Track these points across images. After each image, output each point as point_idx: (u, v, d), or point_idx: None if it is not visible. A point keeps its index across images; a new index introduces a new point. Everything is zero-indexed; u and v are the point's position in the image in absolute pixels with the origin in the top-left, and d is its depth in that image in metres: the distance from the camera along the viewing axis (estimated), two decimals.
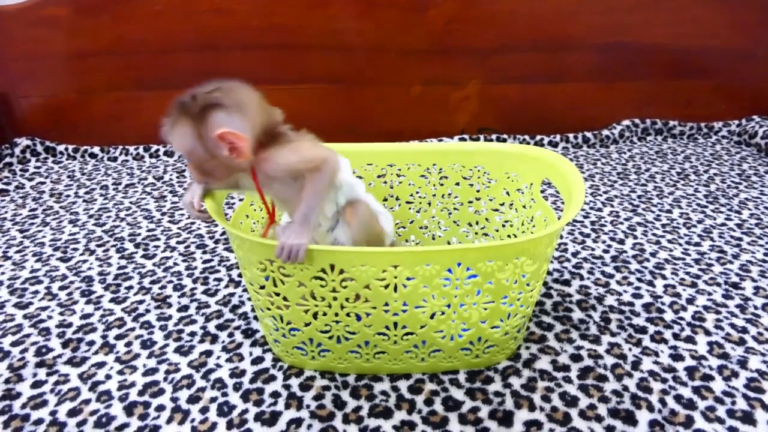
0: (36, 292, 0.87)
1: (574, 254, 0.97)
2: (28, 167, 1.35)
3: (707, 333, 0.77)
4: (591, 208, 1.14)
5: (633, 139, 1.53)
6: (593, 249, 0.98)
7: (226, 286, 0.88)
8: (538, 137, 1.50)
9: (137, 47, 1.37)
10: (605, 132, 1.51)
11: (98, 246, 1.01)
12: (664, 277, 0.89)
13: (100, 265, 0.94)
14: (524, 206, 0.85)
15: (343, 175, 0.71)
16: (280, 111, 0.66)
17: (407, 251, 0.61)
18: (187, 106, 0.59)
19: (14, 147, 1.38)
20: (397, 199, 0.92)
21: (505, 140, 1.50)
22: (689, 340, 0.76)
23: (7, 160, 1.36)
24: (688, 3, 1.44)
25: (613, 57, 1.48)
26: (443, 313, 0.65)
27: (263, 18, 1.37)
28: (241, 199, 1.13)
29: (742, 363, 0.71)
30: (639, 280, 0.89)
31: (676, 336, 0.76)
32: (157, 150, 1.43)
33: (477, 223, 0.93)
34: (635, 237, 1.02)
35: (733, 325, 0.78)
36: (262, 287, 0.66)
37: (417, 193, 0.91)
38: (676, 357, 0.73)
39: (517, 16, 1.42)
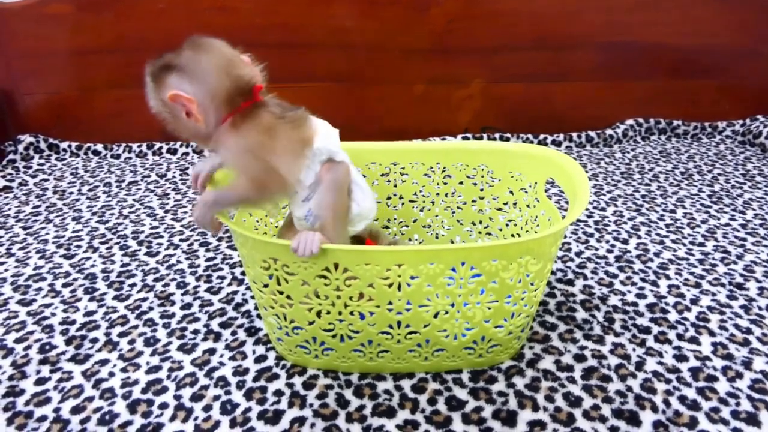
0: (39, 289, 0.87)
1: (578, 254, 0.96)
2: (31, 164, 1.36)
3: (711, 333, 0.77)
4: (595, 208, 1.13)
5: (637, 138, 1.52)
6: (597, 249, 0.98)
7: (230, 284, 0.88)
8: (542, 136, 1.50)
9: (140, 45, 1.37)
10: (609, 131, 1.51)
11: (101, 243, 1.01)
12: (668, 278, 0.89)
13: (104, 263, 0.94)
14: (528, 205, 0.85)
15: (323, 142, 0.66)
16: (257, 74, 0.62)
17: (411, 250, 0.61)
18: (152, 67, 0.60)
19: (18, 144, 1.38)
20: (401, 197, 0.91)
21: (508, 139, 1.49)
22: (693, 340, 0.75)
23: (11, 157, 1.36)
24: (692, 2, 1.44)
25: (617, 56, 1.47)
26: (447, 312, 0.65)
27: (266, 16, 1.36)
28: None
29: (747, 364, 0.71)
30: (643, 280, 0.89)
31: (680, 336, 0.76)
32: (161, 147, 1.43)
33: (480, 222, 0.93)
34: (639, 237, 1.02)
35: (737, 326, 0.78)
36: (266, 285, 0.66)
37: (421, 191, 0.91)
38: (680, 357, 0.72)
39: (520, 14, 1.41)
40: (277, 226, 0.89)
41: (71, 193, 1.22)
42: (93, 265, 0.94)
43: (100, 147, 1.43)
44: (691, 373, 0.70)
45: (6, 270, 0.92)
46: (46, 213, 1.13)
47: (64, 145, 1.42)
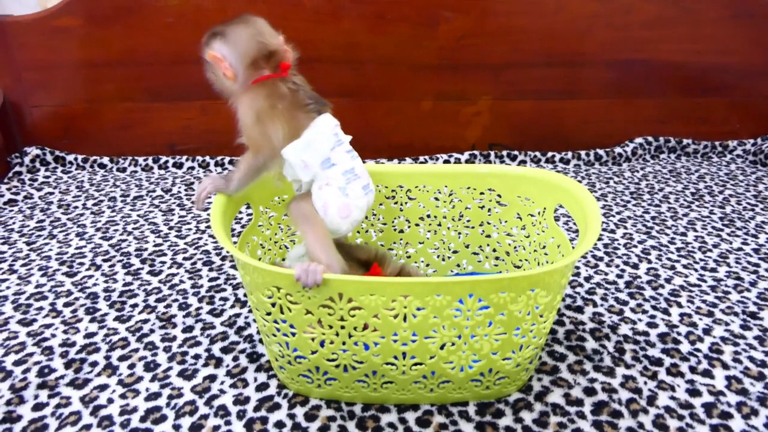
0: (40, 308, 0.86)
1: (587, 279, 0.95)
2: (37, 177, 1.35)
3: (725, 366, 0.75)
4: (604, 230, 1.12)
5: (646, 157, 1.51)
6: (606, 274, 0.96)
7: (232, 306, 0.87)
8: (550, 154, 1.48)
9: (148, 58, 1.37)
10: (618, 149, 1.49)
11: (104, 261, 1.00)
12: (679, 305, 0.87)
13: (106, 281, 0.93)
14: (537, 231, 0.84)
15: (295, 153, 0.69)
16: (285, 50, 0.73)
17: (418, 282, 0.60)
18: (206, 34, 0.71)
19: (24, 156, 1.38)
20: (408, 220, 0.90)
21: (515, 156, 1.48)
22: (706, 374, 0.73)
23: (17, 169, 1.36)
24: (704, 20, 1.42)
25: (627, 74, 1.46)
26: (453, 344, 0.63)
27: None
28: (249, 220, 1.12)
29: (762, 400, 0.69)
30: (654, 308, 0.87)
31: (692, 369, 0.74)
32: (166, 161, 1.42)
33: (488, 245, 0.92)
34: (650, 261, 1.00)
35: (751, 359, 0.76)
36: (269, 314, 0.65)
37: (428, 215, 0.90)
38: (693, 392, 0.70)
39: (530, 31, 1.40)
40: (282, 248, 0.88)
41: (76, 207, 1.21)
42: (95, 284, 0.93)
43: (106, 160, 1.42)
44: (704, 410, 0.68)
45: (8, 288, 0.92)
46: (50, 228, 1.12)
47: (70, 157, 1.41)
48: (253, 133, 0.69)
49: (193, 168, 1.42)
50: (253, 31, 0.70)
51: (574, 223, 1.15)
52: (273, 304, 0.63)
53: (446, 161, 1.45)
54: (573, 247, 0.73)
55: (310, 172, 0.70)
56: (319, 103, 0.73)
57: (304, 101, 0.71)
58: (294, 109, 0.70)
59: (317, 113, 0.72)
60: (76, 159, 1.42)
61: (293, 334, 0.65)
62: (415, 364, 0.65)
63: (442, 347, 0.64)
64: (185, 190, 1.30)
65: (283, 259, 0.86)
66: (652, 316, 0.85)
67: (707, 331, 0.81)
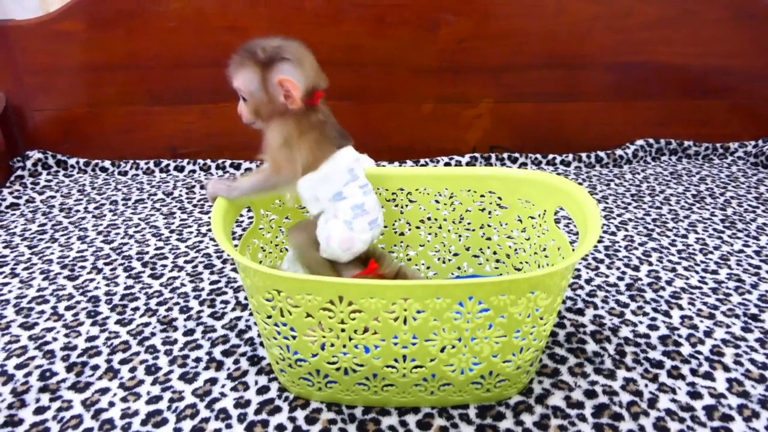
0: (42, 312, 0.87)
1: (588, 281, 0.95)
2: (39, 180, 1.36)
3: (726, 369, 0.74)
4: (605, 232, 1.12)
5: (647, 159, 1.51)
6: (607, 276, 0.96)
7: (233, 309, 0.87)
8: (551, 156, 1.49)
9: (150, 62, 1.38)
10: (618, 152, 1.49)
11: (106, 264, 1.00)
12: (680, 308, 0.87)
13: (107, 285, 0.94)
14: (537, 234, 0.84)
15: (309, 181, 0.72)
16: (324, 79, 0.74)
17: (418, 285, 0.60)
18: (256, 55, 0.70)
19: (26, 160, 1.38)
20: (408, 223, 0.90)
21: (516, 159, 1.48)
22: (707, 376, 0.73)
23: (19, 173, 1.36)
24: (705, 22, 1.42)
25: (628, 76, 1.46)
26: (454, 347, 0.63)
27: (275, 34, 1.36)
28: (249, 223, 1.12)
29: (763, 403, 0.69)
30: (655, 310, 0.87)
31: (693, 372, 0.74)
32: (167, 165, 1.43)
33: (489, 248, 0.92)
34: (650, 264, 1.00)
35: (753, 361, 0.76)
36: (269, 317, 0.65)
37: (428, 217, 0.90)
38: (694, 395, 0.70)
39: (531, 34, 1.40)
40: (282, 251, 0.88)
41: (77, 211, 1.22)
42: (96, 287, 0.93)
43: (107, 164, 1.43)
44: (705, 412, 0.68)
45: (10, 291, 0.92)
46: (51, 231, 1.12)
47: (72, 161, 1.42)
48: (277, 155, 0.71)
49: (194, 171, 1.43)
50: (314, 61, 0.72)
51: (575, 225, 1.15)
52: (273, 308, 0.63)
53: (447, 164, 1.45)
54: (573, 250, 0.73)
55: (318, 206, 0.73)
56: (342, 137, 0.75)
57: (330, 134, 0.73)
58: (320, 140, 0.72)
59: (339, 147, 0.74)
60: (77, 162, 1.42)
61: (294, 337, 0.65)
62: (416, 367, 0.65)
63: (442, 350, 0.64)
64: (186, 193, 1.30)
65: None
66: (653, 319, 0.85)
67: (708, 334, 0.81)
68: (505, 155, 1.48)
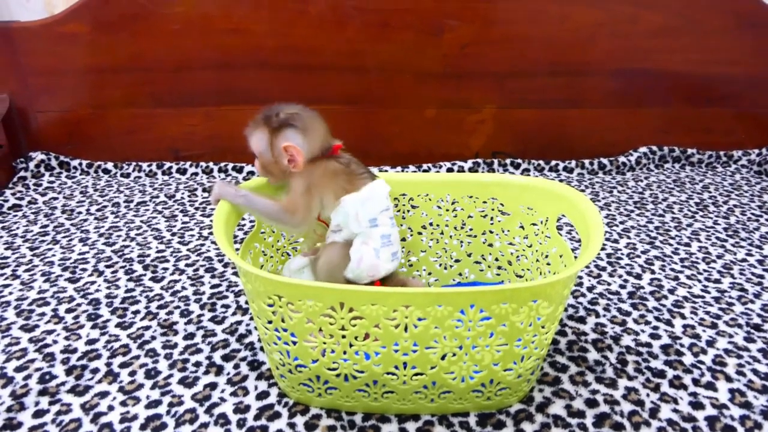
0: (43, 314, 0.87)
1: (590, 289, 0.94)
2: (41, 182, 1.36)
3: (728, 379, 0.74)
4: (607, 240, 1.11)
5: (650, 166, 1.50)
6: (609, 284, 0.95)
7: (234, 314, 0.87)
8: (553, 162, 1.48)
9: (154, 64, 1.38)
10: (622, 159, 1.49)
11: (107, 267, 1.00)
12: (683, 317, 0.87)
13: (108, 287, 0.94)
14: (539, 241, 0.83)
15: (343, 209, 0.75)
16: (336, 140, 0.78)
17: (419, 292, 0.60)
18: (270, 119, 0.75)
19: (29, 161, 1.38)
20: (410, 228, 0.90)
21: (519, 165, 1.48)
22: (710, 386, 0.73)
23: (22, 174, 1.37)
24: (709, 30, 1.42)
25: (632, 83, 1.46)
26: (455, 355, 0.63)
27: (278, 38, 1.37)
28: (251, 227, 1.12)
29: (766, 414, 0.68)
30: (657, 319, 0.86)
31: (696, 381, 0.74)
32: (170, 167, 1.43)
33: (490, 255, 0.91)
34: (653, 272, 0.99)
35: (755, 371, 0.75)
36: (270, 322, 0.65)
37: (430, 224, 0.89)
38: (696, 405, 0.70)
39: (535, 40, 1.40)
40: (284, 255, 0.88)
41: (80, 212, 1.22)
42: (97, 290, 0.93)
43: (110, 165, 1.43)
44: (707, 423, 0.67)
45: (10, 293, 0.92)
46: (53, 233, 1.12)
47: (74, 162, 1.42)
48: (298, 199, 0.75)
49: (196, 174, 1.43)
50: (321, 131, 0.76)
51: (577, 233, 1.15)
52: (274, 313, 0.63)
53: (449, 169, 1.45)
54: (575, 257, 0.73)
55: (359, 227, 0.75)
56: (370, 174, 0.79)
57: (357, 171, 0.77)
58: (350, 178, 0.77)
59: (371, 180, 0.78)
60: (80, 164, 1.42)
61: (294, 343, 0.65)
62: (416, 374, 0.65)
63: (443, 357, 0.63)
64: (188, 196, 1.30)
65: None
66: (655, 327, 0.84)
67: (711, 343, 0.81)
68: (508, 161, 1.48)
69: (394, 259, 0.77)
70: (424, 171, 1.45)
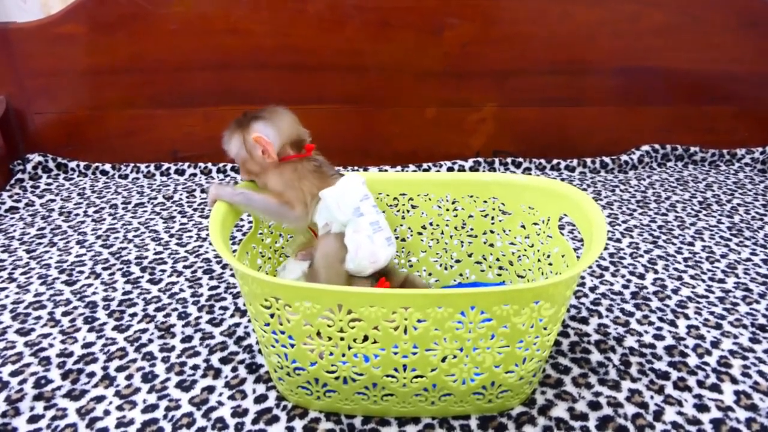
0: (39, 317, 0.86)
1: (592, 289, 0.93)
2: (39, 184, 1.35)
3: (734, 381, 0.73)
4: (610, 239, 1.10)
5: (653, 165, 1.49)
6: (612, 284, 0.94)
7: (232, 316, 0.86)
8: (555, 161, 1.47)
9: (152, 65, 1.37)
10: (624, 157, 1.48)
11: (104, 269, 0.99)
12: (687, 317, 0.85)
13: (105, 290, 0.93)
14: (541, 241, 0.82)
15: (327, 199, 0.75)
16: (307, 132, 0.80)
17: (419, 294, 0.59)
18: (240, 120, 0.77)
19: (26, 163, 1.38)
20: (410, 229, 0.89)
21: (520, 164, 1.47)
22: (715, 388, 0.72)
23: (19, 176, 1.36)
24: (712, 28, 1.41)
25: (634, 81, 1.45)
26: (455, 357, 0.62)
27: (278, 38, 1.36)
28: (249, 227, 1.11)
29: None
30: (660, 319, 0.85)
31: (700, 383, 0.72)
32: (168, 168, 1.42)
33: (491, 255, 0.90)
34: (656, 272, 0.98)
35: (761, 373, 0.74)
36: (267, 324, 0.64)
37: (430, 224, 0.88)
38: (701, 407, 0.69)
39: (536, 38, 1.39)
40: (282, 257, 0.87)
41: (77, 214, 1.21)
42: (94, 293, 0.92)
43: (108, 167, 1.42)
44: (713, 425, 0.66)
45: (6, 296, 0.91)
46: (50, 236, 1.12)
47: (72, 164, 1.41)
48: (287, 193, 0.76)
49: (195, 175, 1.42)
50: (290, 121, 0.78)
51: (579, 232, 1.14)
52: (271, 315, 0.62)
53: (450, 169, 1.44)
54: (578, 258, 0.72)
55: (344, 215, 0.74)
56: (340, 175, 0.78)
57: (327, 173, 0.78)
58: (321, 178, 0.77)
59: (336, 176, 0.78)
60: (78, 166, 1.41)
61: (292, 346, 0.64)
62: (416, 377, 0.64)
63: (443, 360, 0.62)
64: (187, 197, 1.29)
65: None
66: (659, 328, 0.83)
67: (715, 344, 0.80)
68: (509, 160, 1.47)
69: (390, 244, 0.76)
70: (425, 171, 1.43)
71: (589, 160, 1.47)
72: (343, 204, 0.74)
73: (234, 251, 0.73)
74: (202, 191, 1.32)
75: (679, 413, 0.68)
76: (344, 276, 0.75)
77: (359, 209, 0.75)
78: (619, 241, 1.09)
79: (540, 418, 0.67)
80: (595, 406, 0.69)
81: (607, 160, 1.47)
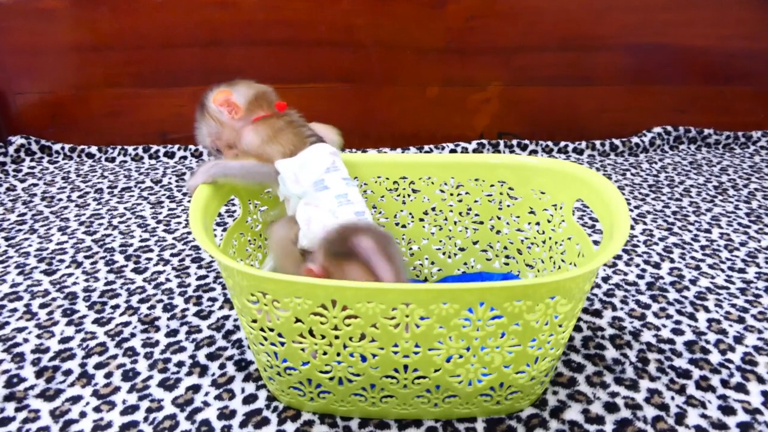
0: (14, 309, 0.80)
1: (605, 279, 0.87)
2: (21, 167, 1.29)
3: (760, 380, 0.67)
4: None
5: (664, 147, 1.42)
6: (626, 274, 0.89)
7: (221, 308, 0.80)
8: (563, 143, 1.41)
9: (137, 42, 1.30)
10: (635, 139, 1.41)
11: (86, 258, 0.93)
12: (707, 310, 0.80)
13: (86, 280, 0.87)
14: (552, 228, 0.76)
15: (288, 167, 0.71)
16: (272, 90, 0.78)
17: (422, 288, 0.53)
18: (200, 103, 0.76)
19: (8, 146, 1.31)
20: (411, 215, 0.83)
21: (526, 146, 1.40)
22: (740, 388, 0.66)
23: (1, 159, 1.29)
24: (729, 2, 1.33)
25: (647, 59, 1.38)
26: (461, 357, 0.57)
27: (270, 12, 1.28)
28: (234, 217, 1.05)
29: None
30: (679, 312, 0.79)
31: (724, 383, 0.67)
32: (157, 151, 1.35)
33: (498, 243, 0.85)
34: (672, 261, 0.92)
35: None
36: (254, 321, 0.58)
37: (433, 209, 0.82)
38: (727, 410, 0.63)
39: (544, 12, 1.32)
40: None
41: (60, 199, 1.15)
42: (74, 283, 0.86)
43: (94, 149, 1.36)
44: (740, 430, 0.61)
45: None
46: (31, 222, 1.06)
47: (57, 147, 1.35)
48: (263, 150, 0.73)
49: (185, 158, 1.35)
50: (246, 81, 0.77)
51: (591, 218, 1.08)
52: (259, 311, 0.57)
53: (453, 151, 1.37)
54: (595, 247, 0.66)
55: (300, 188, 0.70)
56: (317, 138, 0.75)
57: (302, 132, 0.74)
58: (294, 137, 0.73)
59: (314, 143, 0.74)
60: (63, 148, 1.35)
61: (282, 344, 0.58)
62: (418, 378, 0.58)
63: (448, 360, 0.57)
64: (176, 181, 1.23)
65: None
66: (678, 322, 0.77)
67: (739, 340, 0.74)
68: (515, 142, 1.40)
69: (360, 217, 0.70)
70: (426, 153, 1.37)
71: (598, 143, 1.41)
72: (302, 177, 0.70)
73: (220, 241, 0.67)
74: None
75: (703, 416, 0.62)
76: (294, 257, 0.70)
77: (323, 182, 0.69)
78: (631, 227, 1.04)
79: (552, 421, 0.62)
80: (611, 408, 0.63)
81: (617, 142, 1.41)
